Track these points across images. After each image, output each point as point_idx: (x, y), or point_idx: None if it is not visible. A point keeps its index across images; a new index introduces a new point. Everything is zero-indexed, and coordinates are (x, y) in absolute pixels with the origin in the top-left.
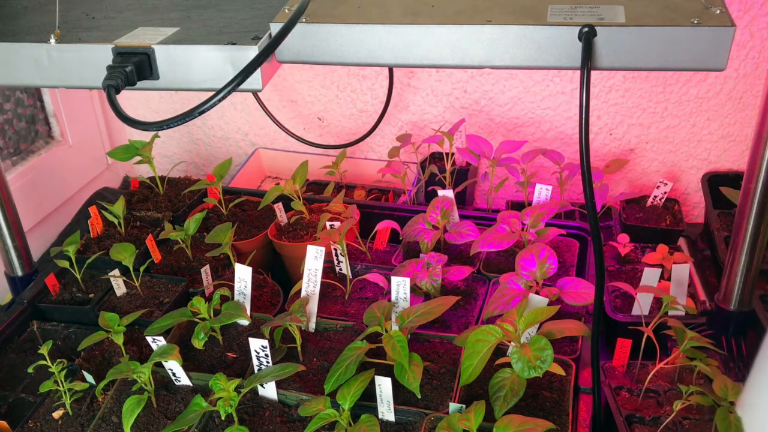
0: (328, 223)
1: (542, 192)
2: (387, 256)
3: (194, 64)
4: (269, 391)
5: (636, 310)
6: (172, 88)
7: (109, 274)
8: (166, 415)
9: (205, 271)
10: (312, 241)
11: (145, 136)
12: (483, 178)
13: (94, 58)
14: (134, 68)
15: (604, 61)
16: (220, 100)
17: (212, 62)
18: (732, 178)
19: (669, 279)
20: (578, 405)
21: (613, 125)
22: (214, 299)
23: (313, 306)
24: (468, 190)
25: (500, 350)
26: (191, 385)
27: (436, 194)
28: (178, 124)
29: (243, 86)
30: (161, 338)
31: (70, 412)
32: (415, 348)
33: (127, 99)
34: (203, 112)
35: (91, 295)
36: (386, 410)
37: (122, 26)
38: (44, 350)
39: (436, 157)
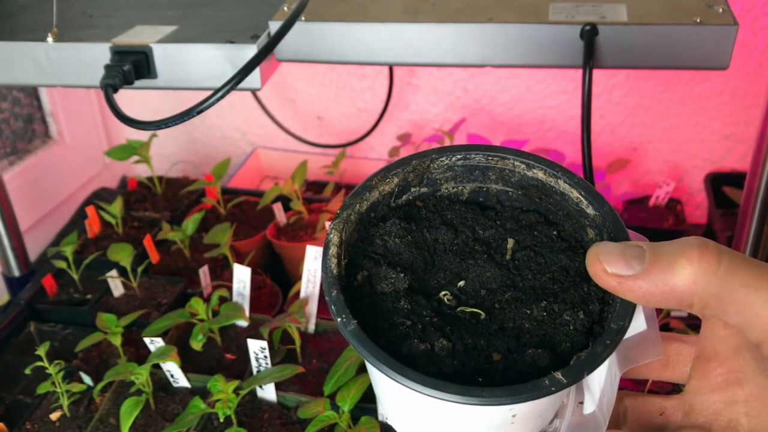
0: (327, 223)
1: None
2: None
3: (193, 62)
4: (268, 392)
5: None
6: (171, 87)
7: (107, 274)
8: (164, 416)
9: (204, 272)
10: (311, 242)
11: (143, 135)
12: None
13: (92, 57)
14: (132, 67)
15: (607, 60)
16: (218, 99)
17: (211, 61)
18: (735, 178)
19: None
20: None
21: (616, 124)
22: (212, 300)
23: (313, 307)
24: None
25: None
26: (189, 386)
27: None
28: (177, 124)
29: (242, 85)
30: (159, 339)
31: (68, 414)
32: None
33: (125, 98)
34: (201, 111)
35: (89, 296)
36: None
37: (120, 24)
38: (41, 351)
39: None
